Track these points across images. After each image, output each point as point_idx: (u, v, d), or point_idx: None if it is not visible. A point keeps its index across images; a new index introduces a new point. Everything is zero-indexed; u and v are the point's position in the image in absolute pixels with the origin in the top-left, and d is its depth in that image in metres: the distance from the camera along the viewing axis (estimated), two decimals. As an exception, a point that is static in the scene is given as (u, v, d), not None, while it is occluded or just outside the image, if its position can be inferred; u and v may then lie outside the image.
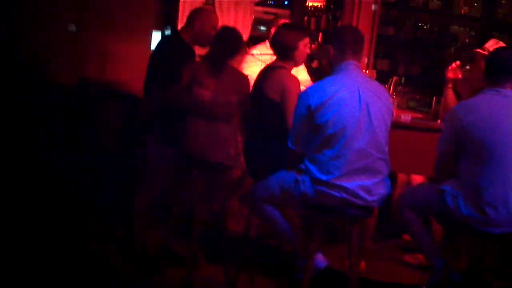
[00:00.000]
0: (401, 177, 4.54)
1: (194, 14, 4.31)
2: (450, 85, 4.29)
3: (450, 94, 4.30)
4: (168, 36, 4.76)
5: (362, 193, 3.17)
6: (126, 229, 4.25)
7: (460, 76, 4.33)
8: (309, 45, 3.93)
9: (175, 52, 4.18)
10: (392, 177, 3.52)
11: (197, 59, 4.32)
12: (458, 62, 4.38)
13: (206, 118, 3.93)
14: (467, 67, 5.08)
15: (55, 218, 4.40)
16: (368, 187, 3.18)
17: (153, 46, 5.32)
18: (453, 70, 4.32)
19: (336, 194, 3.15)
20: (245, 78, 4.07)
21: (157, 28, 5.74)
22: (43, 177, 4.72)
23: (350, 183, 3.14)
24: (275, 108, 3.66)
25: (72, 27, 5.24)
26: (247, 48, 4.81)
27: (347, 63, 3.26)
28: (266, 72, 3.80)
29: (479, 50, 4.45)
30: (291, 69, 3.82)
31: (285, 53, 3.77)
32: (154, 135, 4.19)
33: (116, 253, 4.06)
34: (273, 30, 4.94)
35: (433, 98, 4.59)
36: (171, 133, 4.07)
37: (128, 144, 4.95)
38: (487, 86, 3.30)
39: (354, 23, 5.62)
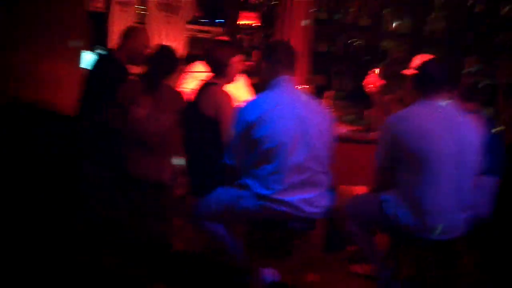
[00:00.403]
0: (343, 189, 4.57)
1: (126, 33, 4.29)
2: (375, 96, 4.37)
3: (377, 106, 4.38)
4: (102, 56, 4.69)
5: (303, 206, 3.18)
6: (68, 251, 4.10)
7: (380, 83, 4.43)
8: (241, 61, 3.95)
9: (110, 72, 4.16)
10: (334, 190, 3.52)
11: (132, 77, 4.25)
12: (374, 70, 4.47)
13: (143, 137, 3.87)
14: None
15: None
16: (309, 199, 3.19)
17: (81, 65, 5.22)
18: (371, 80, 4.41)
19: (277, 208, 3.15)
20: (182, 96, 4.06)
21: (86, 48, 5.63)
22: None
23: (291, 197, 3.15)
24: (211, 125, 3.66)
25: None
26: (182, 67, 4.78)
27: (281, 78, 3.27)
28: (201, 89, 3.81)
29: (405, 71, 4.55)
30: (224, 85, 3.83)
31: (218, 69, 3.81)
32: (89, 157, 4.11)
33: (59, 274, 3.89)
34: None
35: (363, 113, 4.67)
36: (107, 154, 4.01)
37: (63, 167, 4.79)
38: (417, 99, 3.33)
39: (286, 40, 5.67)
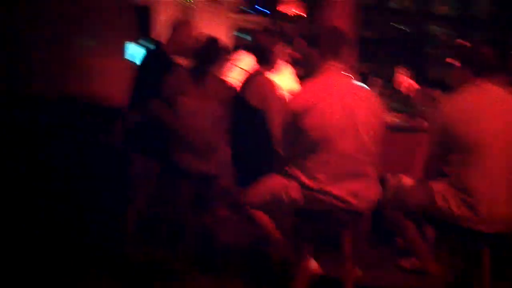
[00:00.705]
0: (391, 179, 4.50)
1: (174, 27, 4.32)
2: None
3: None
4: (150, 50, 4.75)
5: (350, 198, 3.12)
6: (117, 244, 4.16)
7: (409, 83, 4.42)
8: (285, 50, 3.97)
9: (159, 66, 4.17)
10: (382, 180, 3.46)
11: (179, 69, 4.29)
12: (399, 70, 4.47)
13: (191, 129, 3.91)
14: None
15: (44, 231, 4.30)
16: (355, 191, 3.13)
17: (127, 56, 5.29)
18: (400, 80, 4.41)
19: (324, 199, 3.11)
20: (230, 86, 4.08)
21: (131, 40, 5.70)
22: (27, 191, 4.61)
23: (337, 188, 3.10)
24: (258, 114, 3.66)
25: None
26: (228, 57, 4.79)
27: (329, 65, 3.21)
28: (248, 80, 3.82)
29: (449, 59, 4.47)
30: (269, 73, 3.83)
31: (262, 57, 3.83)
32: (139, 148, 4.16)
33: (109, 268, 3.96)
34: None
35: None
36: (156, 145, 4.04)
37: (112, 158, 4.87)
38: (467, 81, 3.24)
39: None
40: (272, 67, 3.87)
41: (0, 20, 5.06)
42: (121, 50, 5.53)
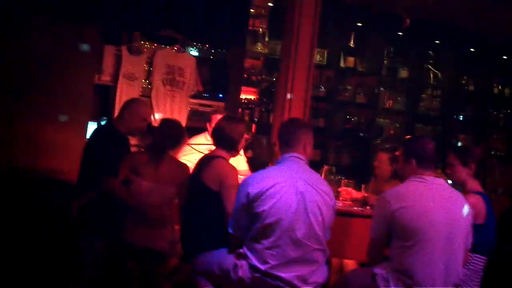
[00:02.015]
0: (335, 262, 4.66)
1: (125, 105, 4.40)
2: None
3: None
4: (102, 126, 4.83)
5: (297, 282, 3.23)
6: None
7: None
8: (245, 136, 4.08)
9: (109, 142, 4.22)
10: (327, 262, 3.59)
11: (133, 149, 4.37)
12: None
13: (143, 208, 3.97)
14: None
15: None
16: (303, 276, 3.24)
17: (88, 135, 5.38)
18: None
19: (272, 282, 3.21)
20: (185, 167, 4.15)
21: (93, 119, 5.82)
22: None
23: (286, 273, 3.21)
24: (212, 196, 3.72)
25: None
26: (186, 139, 4.93)
27: (289, 155, 3.38)
28: (205, 161, 3.87)
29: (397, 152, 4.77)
30: (229, 158, 3.92)
31: (228, 145, 3.87)
32: (86, 226, 4.15)
33: None
34: (211, 122, 5.10)
35: (361, 186, 4.82)
36: (103, 223, 4.07)
37: (60, 236, 4.86)
38: (413, 174, 3.49)
39: (286, 116, 5.85)
40: (234, 154, 3.95)
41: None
42: (83, 128, 5.63)
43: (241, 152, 5.18)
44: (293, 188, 3.24)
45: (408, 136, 4.76)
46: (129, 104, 4.38)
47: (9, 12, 5.34)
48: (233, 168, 3.83)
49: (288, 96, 5.69)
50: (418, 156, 3.49)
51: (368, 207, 4.48)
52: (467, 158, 4.12)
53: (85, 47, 5.66)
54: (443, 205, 3.35)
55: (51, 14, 5.45)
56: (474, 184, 4.11)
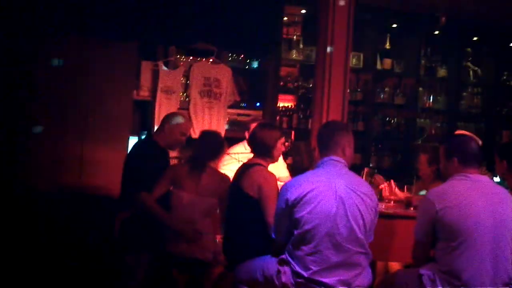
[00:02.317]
0: (380, 265, 4.61)
1: (165, 119, 4.46)
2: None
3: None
4: (142, 140, 4.93)
5: (341, 287, 3.19)
6: None
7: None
8: (284, 143, 4.09)
9: (149, 155, 4.29)
10: (371, 265, 3.56)
11: (173, 161, 4.42)
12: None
13: (186, 220, 4.01)
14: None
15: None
16: (347, 280, 3.21)
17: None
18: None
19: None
20: (226, 178, 4.18)
21: (134, 134, 5.92)
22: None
23: (329, 278, 3.18)
24: (253, 204, 3.74)
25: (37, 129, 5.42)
26: (225, 149, 4.97)
27: (328, 159, 3.36)
28: (244, 169, 3.90)
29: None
30: (268, 165, 3.95)
31: (263, 151, 3.92)
32: (130, 241, 4.21)
33: None
34: (250, 131, 5.14)
35: (404, 187, 4.76)
36: (147, 237, 4.12)
37: (107, 251, 4.94)
38: (456, 173, 3.43)
39: (324, 121, 5.84)
40: (272, 160, 3.98)
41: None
42: (124, 144, 5.74)
43: (281, 158, 5.20)
44: (332, 192, 3.21)
45: (458, 131, 4.71)
46: (169, 118, 4.44)
47: (47, 32, 5.49)
48: (271, 174, 3.85)
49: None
50: (460, 154, 3.44)
51: (412, 208, 4.42)
52: (501, 153, 4.05)
53: (122, 63, 5.79)
54: (488, 202, 3.29)
55: (88, 33, 5.60)
56: None
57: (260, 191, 3.73)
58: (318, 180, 3.26)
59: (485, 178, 3.46)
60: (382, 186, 4.71)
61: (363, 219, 3.24)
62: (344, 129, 3.52)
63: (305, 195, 3.20)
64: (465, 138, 3.67)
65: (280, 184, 3.71)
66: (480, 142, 4.55)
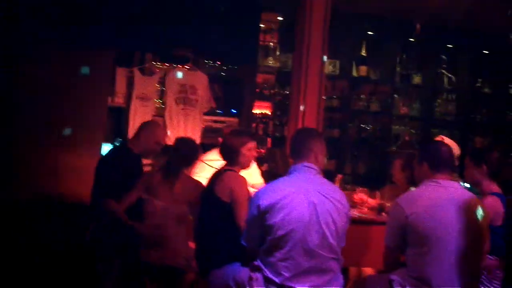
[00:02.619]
0: (352, 270, 4.64)
1: (141, 127, 4.49)
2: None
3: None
4: (116, 146, 4.93)
5: None
6: None
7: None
8: (254, 149, 4.09)
9: (122, 162, 4.30)
10: (344, 270, 3.58)
11: (147, 168, 4.41)
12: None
13: (158, 227, 4.01)
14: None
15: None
16: (319, 286, 3.22)
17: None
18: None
19: (286, 294, 3.20)
20: (199, 185, 4.19)
21: (108, 140, 5.90)
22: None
23: (301, 284, 3.19)
24: (225, 209, 3.75)
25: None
26: (200, 156, 4.97)
27: (301, 165, 3.37)
28: (217, 175, 3.92)
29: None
30: (239, 171, 3.95)
31: (230, 157, 3.94)
32: (103, 248, 4.20)
33: None
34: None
35: (376, 193, 4.80)
36: (119, 245, 4.11)
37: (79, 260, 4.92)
38: (428, 177, 3.46)
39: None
40: (240, 166, 3.98)
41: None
42: (98, 150, 5.72)
43: (255, 165, 5.21)
44: (304, 198, 3.23)
45: (439, 137, 4.76)
46: (145, 126, 4.47)
47: (23, 42, 5.47)
48: (242, 178, 3.86)
49: (301, 107, 5.73)
50: (430, 159, 3.47)
51: (384, 214, 4.46)
52: (478, 158, 4.10)
53: (97, 71, 5.77)
54: (457, 208, 3.31)
55: (65, 41, 5.57)
56: (490, 185, 4.07)
57: (232, 195, 3.74)
58: (291, 186, 3.28)
59: (455, 184, 3.49)
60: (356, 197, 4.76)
61: (335, 225, 3.25)
62: (316, 136, 3.54)
63: (277, 202, 3.21)
64: (436, 143, 3.70)
65: (253, 190, 3.71)
66: (458, 151, 4.64)
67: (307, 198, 3.23)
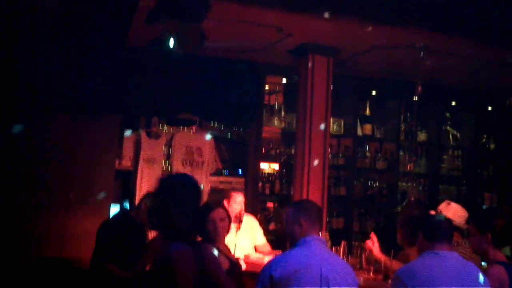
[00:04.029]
0: None
1: (144, 198, 4.57)
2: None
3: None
4: (118, 213, 5.02)
5: None
6: None
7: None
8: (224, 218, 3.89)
9: (120, 230, 4.43)
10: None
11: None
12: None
13: None
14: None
15: None
16: None
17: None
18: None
19: None
20: None
21: (115, 202, 5.96)
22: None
23: None
24: None
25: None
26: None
27: (312, 238, 3.33)
28: None
29: (433, 212, 4.76)
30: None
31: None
32: None
33: None
34: (230, 199, 5.20)
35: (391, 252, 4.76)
36: None
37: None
38: (426, 248, 3.45)
39: (305, 187, 5.91)
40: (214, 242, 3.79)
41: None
42: (106, 213, 5.78)
43: (257, 224, 5.27)
44: (317, 273, 3.19)
45: (447, 202, 4.78)
46: (148, 198, 4.50)
47: (32, 107, 5.60)
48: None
49: (315, 162, 5.79)
50: (426, 229, 3.48)
51: (390, 281, 4.42)
52: (483, 226, 4.08)
53: (104, 134, 5.88)
54: (458, 280, 3.29)
55: (72, 107, 5.70)
56: (496, 254, 4.04)
57: None
58: (304, 260, 3.24)
59: (454, 254, 3.46)
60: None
61: None
62: (320, 209, 3.58)
63: (290, 274, 3.16)
64: (434, 216, 3.71)
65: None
66: (465, 214, 4.67)
67: (320, 273, 3.20)
